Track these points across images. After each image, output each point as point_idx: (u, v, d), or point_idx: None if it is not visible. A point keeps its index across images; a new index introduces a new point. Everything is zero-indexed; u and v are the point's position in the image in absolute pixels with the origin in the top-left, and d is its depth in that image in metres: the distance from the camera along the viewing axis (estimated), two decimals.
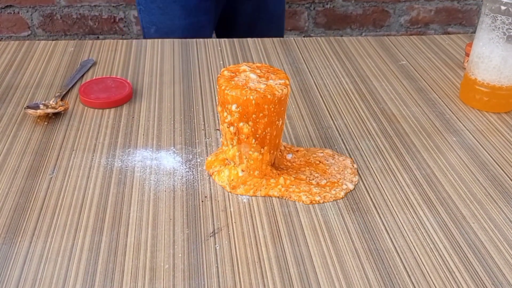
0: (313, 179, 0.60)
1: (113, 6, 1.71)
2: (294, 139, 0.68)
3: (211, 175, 0.60)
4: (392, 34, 1.86)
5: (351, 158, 0.64)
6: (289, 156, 0.63)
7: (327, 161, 0.63)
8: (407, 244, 0.52)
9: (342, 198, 0.58)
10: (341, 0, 1.77)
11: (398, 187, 0.60)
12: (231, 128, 0.57)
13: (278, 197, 0.58)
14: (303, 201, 0.57)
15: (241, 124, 0.56)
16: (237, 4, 1.15)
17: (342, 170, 0.62)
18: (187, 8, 1.07)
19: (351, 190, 0.59)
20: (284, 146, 0.64)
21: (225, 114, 0.56)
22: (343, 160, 0.63)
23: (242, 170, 0.58)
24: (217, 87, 0.57)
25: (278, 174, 0.60)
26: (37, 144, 0.65)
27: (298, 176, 0.60)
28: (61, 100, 0.75)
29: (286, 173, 0.60)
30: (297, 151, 0.64)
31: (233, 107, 0.55)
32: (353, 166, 0.63)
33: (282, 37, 1.01)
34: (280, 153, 0.62)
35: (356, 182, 0.60)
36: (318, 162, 0.63)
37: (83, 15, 1.73)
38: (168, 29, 1.09)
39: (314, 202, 0.57)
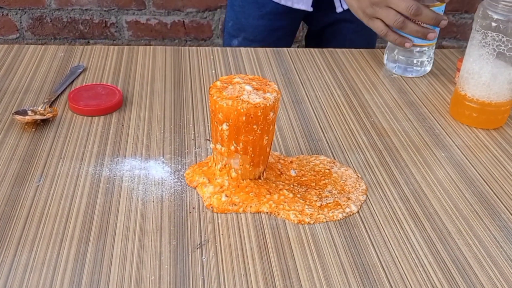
0: (318, 201, 0.58)
1: (105, 11, 1.70)
2: (284, 150, 0.68)
3: (194, 188, 0.60)
4: (385, 45, 1.87)
5: (352, 168, 0.64)
6: (293, 173, 0.62)
7: (332, 169, 0.63)
8: (393, 258, 0.52)
9: (338, 220, 0.57)
10: None
11: (385, 201, 0.60)
12: (222, 148, 0.57)
13: (267, 213, 0.57)
14: (291, 220, 0.56)
15: (232, 147, 0.56)
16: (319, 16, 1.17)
17: (357, 188, 0.61)
18: (263, 10, 1.12)
19: (353, 213, 0.58)
20: (278, 157, 0.64)
21: (219, 147, 0.57)
22: (346, 170, 0.64)
23: (226, 196, 0.58)
24: (209, 97, 0.57)
25: (279, 190, 0.59)
26: (24, 151, 0.65)
27: (304, 195, 0.59)
28: (50, 106, 0.74)
29: (289, 189, 0.60)
30: (291, 162, 0.64)
31: (224, 126, 0.55)
32: (358, 176, 0.63)
33: (374, 47, 1.02)
34: (278, 170, 0.62)
35: (363, 202, 0.59)
36: (327, 170, 0.63)
37: (74, 19, 1.72)
38: (241, 26, 1.16)
39: (303, 222, 0.56)
